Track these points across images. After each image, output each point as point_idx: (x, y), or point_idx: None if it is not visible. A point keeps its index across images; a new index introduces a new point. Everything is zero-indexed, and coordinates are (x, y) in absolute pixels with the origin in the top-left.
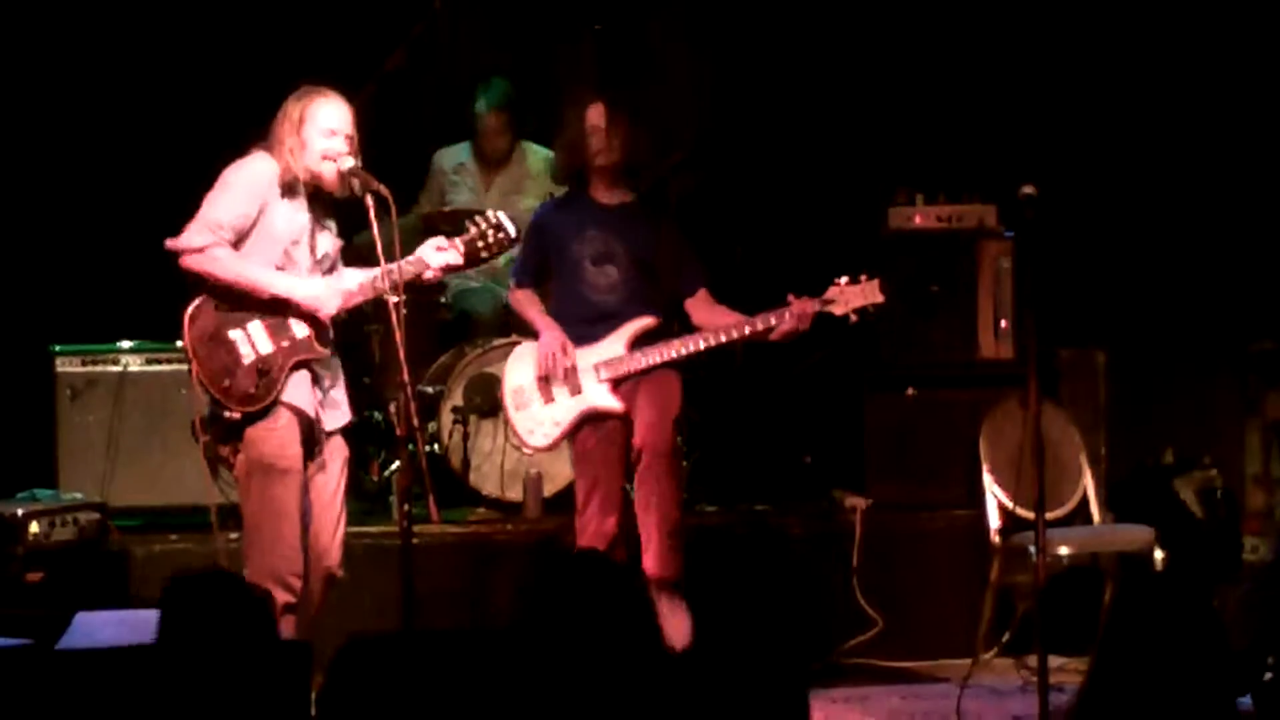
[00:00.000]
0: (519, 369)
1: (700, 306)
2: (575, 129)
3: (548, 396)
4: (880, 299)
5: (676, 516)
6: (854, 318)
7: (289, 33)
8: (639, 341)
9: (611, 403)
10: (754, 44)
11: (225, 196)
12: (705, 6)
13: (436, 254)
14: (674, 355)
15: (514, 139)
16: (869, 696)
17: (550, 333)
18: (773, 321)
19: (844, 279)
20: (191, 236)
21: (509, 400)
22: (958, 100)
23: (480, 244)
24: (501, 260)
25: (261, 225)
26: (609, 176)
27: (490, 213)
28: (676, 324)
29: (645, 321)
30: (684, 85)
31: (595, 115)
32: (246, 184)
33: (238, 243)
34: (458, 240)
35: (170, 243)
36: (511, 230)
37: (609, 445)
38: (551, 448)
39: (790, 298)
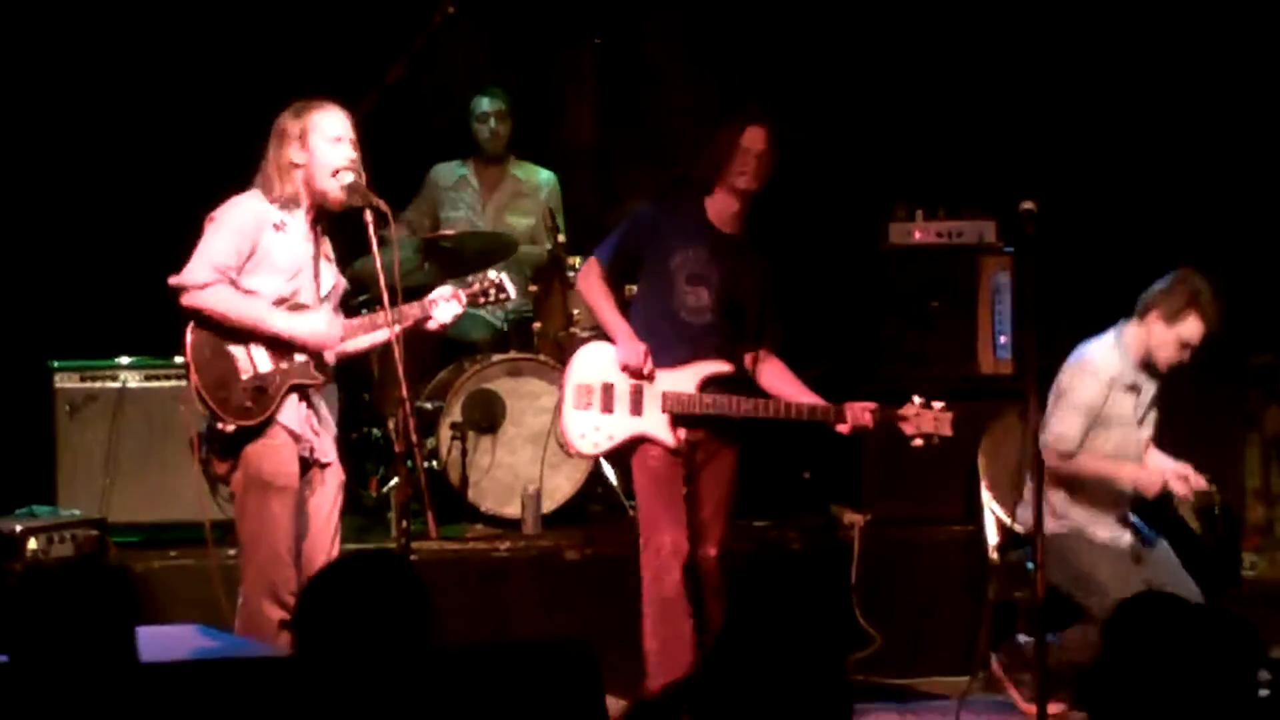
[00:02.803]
0: (588, 367)
1: (765, 366)
2: (726, 143)
3: (608, 405)
4: (949, 433)
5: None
6: (919, 441)
7: (289, 46)
8: (709, 384)
9: (668, 436)
10: (753, 57)
11: (219, 236)
12: (705, 18)
13: (445, 306)
14: (737, 412)
15: (512, 136)
16: (867, 713)
17: (633, 343)
18: (833, 419)
19: (917, 400)
20: (193, 273)
21: (570, 396)
22: (957, 115)
23: (482, 300)
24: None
25: (261, 260)
26: (736, 202)
27: (494, 273)
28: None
29: (720, 366)
30: (683, 97)
31: (753, 138)
32: (238, 224)
33: (239, 275)
34: (462, 293)
35: (173, 279)
36: (513, 292)
37: (672, 464)
38: (595, 457)
39: (866, 406)
